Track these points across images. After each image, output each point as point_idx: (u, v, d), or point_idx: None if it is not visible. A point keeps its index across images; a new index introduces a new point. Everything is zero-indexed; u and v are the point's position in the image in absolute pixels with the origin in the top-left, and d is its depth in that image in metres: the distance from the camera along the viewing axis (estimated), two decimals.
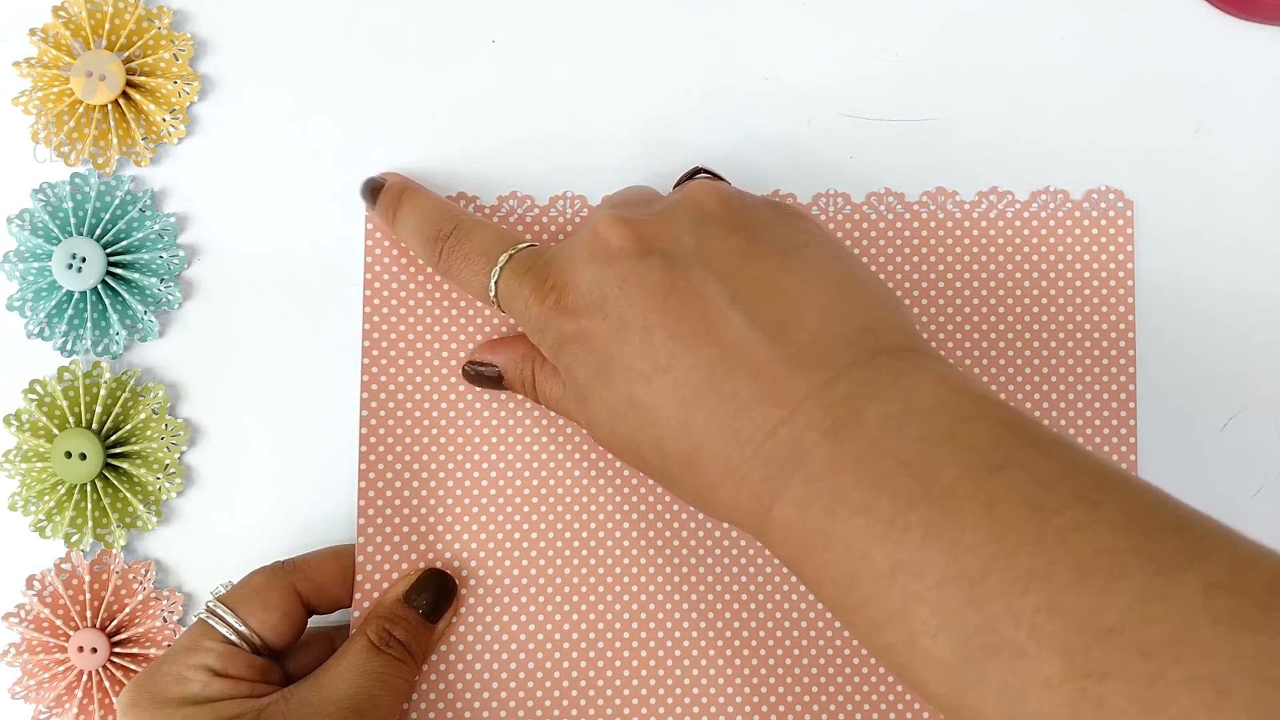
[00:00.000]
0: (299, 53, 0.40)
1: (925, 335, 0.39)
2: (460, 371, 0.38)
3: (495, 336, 0.38)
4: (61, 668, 0.38)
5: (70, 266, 0.38)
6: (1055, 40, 0.40)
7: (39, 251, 0.39)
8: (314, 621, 0.37)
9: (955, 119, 0.40)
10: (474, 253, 0.34)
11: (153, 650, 0.38)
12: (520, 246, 0.34)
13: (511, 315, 0.34)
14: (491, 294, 0.34)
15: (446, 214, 0.36)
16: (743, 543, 0.38)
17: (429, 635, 0.36)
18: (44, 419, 0.38)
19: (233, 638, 0.34)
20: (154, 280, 0.39)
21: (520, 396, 0.38)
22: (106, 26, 0.39)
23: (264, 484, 0.39)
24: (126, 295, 0.39)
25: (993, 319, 0.39)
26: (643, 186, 0.37)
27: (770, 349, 0.28)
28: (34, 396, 0.38)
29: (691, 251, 0.30)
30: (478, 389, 0.38)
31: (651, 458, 0.30)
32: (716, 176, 0.36)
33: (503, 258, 0.33)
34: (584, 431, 0.38)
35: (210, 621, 0.34)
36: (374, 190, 0.38)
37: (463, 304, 0.38)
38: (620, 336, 0.30)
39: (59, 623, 0.38)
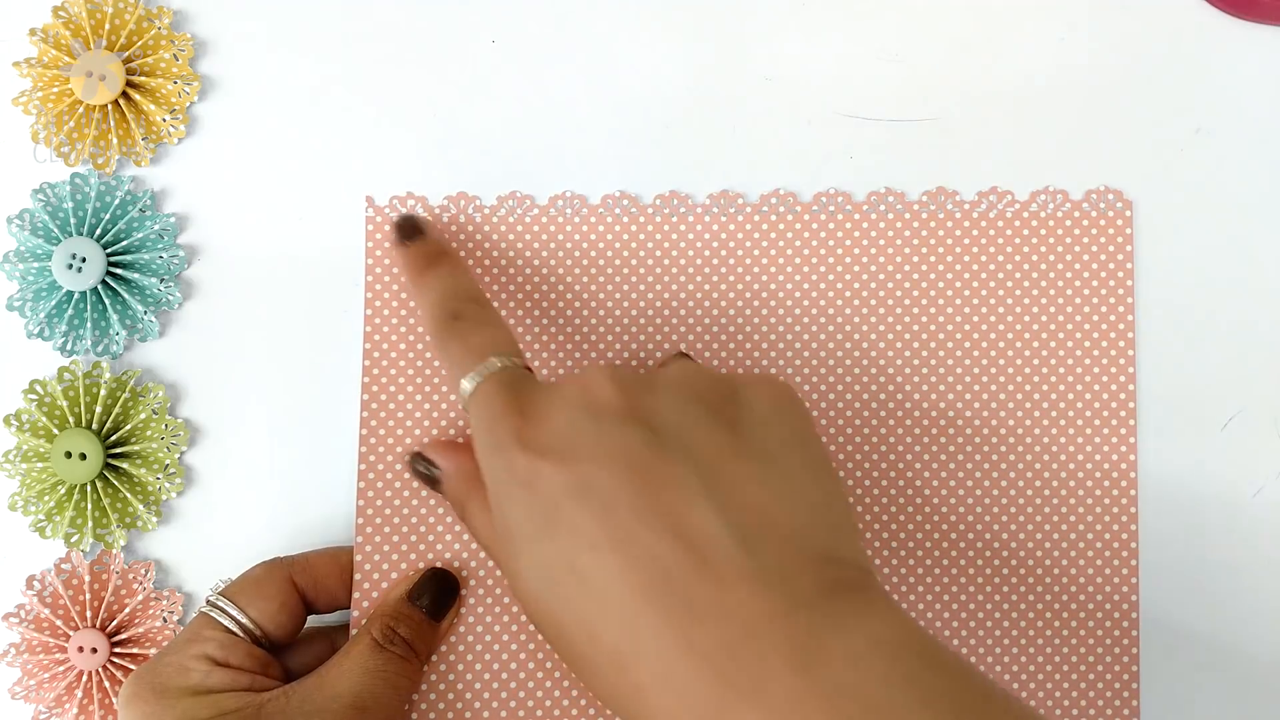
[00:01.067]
0: (299, 53, 0.40)
1: (925, 336, 0.39)
2: (408, 451, 0.37)
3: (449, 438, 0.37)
4: (61, 668, 0.38)
5: (70, 266, 0.38)
6: (1055, 40, 0.40)
7: (39, 251, 0.39)
8: (313, 621, 0.37)
9: (955, 119, 0.40)
10: (475, 344, 0.33)
11: (153, 650, 0.38)
12: (518, 362, 0.32)
13: (472, 423, 0.31)
14: (469, 390, 0.32)
15: (471, 296, 0.35)
16: None
17: (433, 633, 0.36)
18: (44, 419, 0.38)
19: (233, 628, 0.34)
20: (154, 280, 0.39)
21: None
22: (106, 27, 0.39)
23: (264, 484, 0.39)
24: (126, 295, 0.39)
25: (992, 319, 0.39)
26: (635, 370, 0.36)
27: (739, 561, 0.27)
28: (34, 396, 0.38)
29: (674, 434, 0.29)
30: None
31: (576, 638, 0.28)
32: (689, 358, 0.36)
33: (497, 361, 0.32)
34: None
35: (210, 613, 0.34)
36: (410, 231, 0.37)
37: None
38: (579, 494, 0.28)
39: (59, 623, 0.38)
